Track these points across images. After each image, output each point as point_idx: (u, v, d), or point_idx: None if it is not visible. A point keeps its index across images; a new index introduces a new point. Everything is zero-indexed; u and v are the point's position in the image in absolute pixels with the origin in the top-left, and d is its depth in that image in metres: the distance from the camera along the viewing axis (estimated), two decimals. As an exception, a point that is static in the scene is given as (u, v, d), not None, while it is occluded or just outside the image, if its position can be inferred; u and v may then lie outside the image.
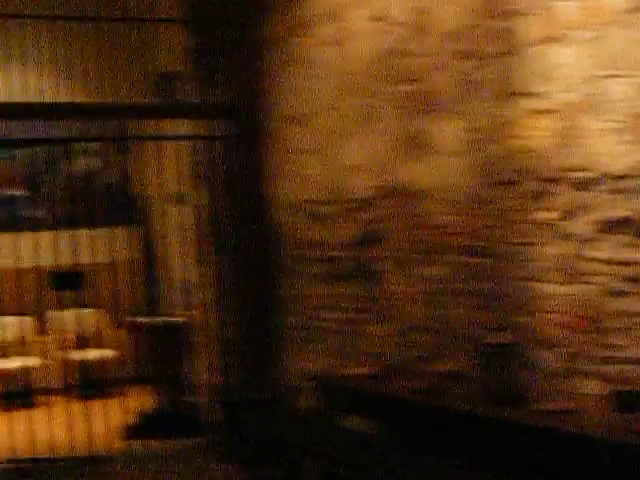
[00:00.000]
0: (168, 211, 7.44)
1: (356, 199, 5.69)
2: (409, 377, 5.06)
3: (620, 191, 3.56)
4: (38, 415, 7.05)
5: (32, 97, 7.12)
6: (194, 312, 7.48)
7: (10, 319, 7.07)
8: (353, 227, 5.76)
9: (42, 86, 8.10)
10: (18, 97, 6.89)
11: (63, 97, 7.47)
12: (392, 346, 5.34)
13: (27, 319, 7.09)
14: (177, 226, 7.63)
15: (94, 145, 7.84)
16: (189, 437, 7.24)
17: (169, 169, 7.47)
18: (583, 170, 3.76)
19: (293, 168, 6.57)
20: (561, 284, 3.92)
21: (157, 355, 7.48)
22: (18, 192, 7.73)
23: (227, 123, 7.09)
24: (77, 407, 7.00)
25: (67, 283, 7.09)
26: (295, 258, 6.62)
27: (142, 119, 7.35)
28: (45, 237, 6.97)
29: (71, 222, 7.22)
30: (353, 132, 5.68)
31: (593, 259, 3.74)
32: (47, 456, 6.84)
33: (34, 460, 6.83)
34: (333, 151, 5.96)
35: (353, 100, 5.67)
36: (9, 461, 6.80)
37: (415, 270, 5.10)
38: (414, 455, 4.33)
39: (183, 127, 7.35)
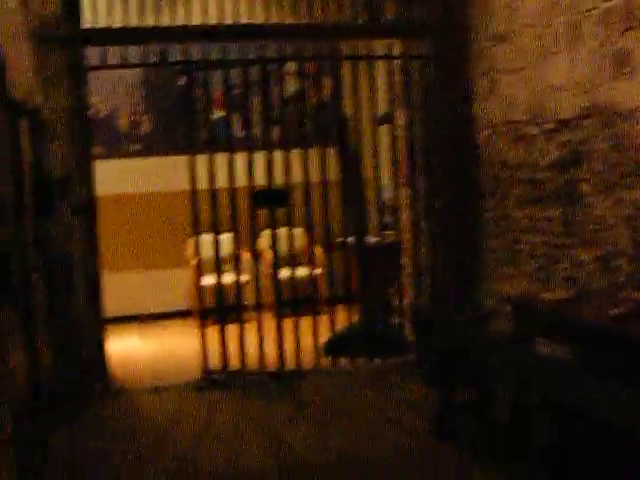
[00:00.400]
0: (375, 132, 7.46)
1: (560, 119, 5.51)
2: (608, 303, 4.90)
3: None
4: (248, 330, 7.33)
5: (243, 19, 7.30)
6: (398, 233, 7.52)
7: (224, 237, 7.35)
8: (556, 148, 5.59)
9: (254, 8, 8.29)
10: (229, 19, 7.06)
11: (273, 19, 7.60)
12: (592, 271, 5.18)
13: (239, 237, 7.36)
14: (384, 147, 7.65)
15: (305, 66, 7.94)
16: (388, 356, 7.36)
17: (377, 90, 7.47)
18: None
19: (496, 88, 6.42)
20: None
21: (363, 275, 7.60)
22: (231, 114, 7.97)
23: (430, 42, 7.00)
24: (285, 324, 7.23)
25: (277, 202, 7.28)
26: (497, 180, 6.50)
27: (351, 39, 7.36)
28: (256, 157, 7.16)
29: (282, 142, 7.38)
30: (558, 51, 5.48)
31: None
32: (239, 369, 7.18)
33: (236, 372, 7.18)
34: (537, 71, 5.77)
35: (558, 18, 5.45)
36: (206, 372, 7.18)
37: (619, 193, 4.90)
38: (609, 384, 4.20)
39: (390, 47, 7.31)
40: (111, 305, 8.46)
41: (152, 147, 10.09)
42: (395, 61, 7.42)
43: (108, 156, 9.87)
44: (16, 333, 3.82)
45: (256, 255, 7.49)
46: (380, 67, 7.56)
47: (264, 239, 9.01)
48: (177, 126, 9.89)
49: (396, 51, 7.38)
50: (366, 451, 5.29)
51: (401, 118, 7.42)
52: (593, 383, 4.25)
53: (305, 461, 5.18)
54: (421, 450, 5.24)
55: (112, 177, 9.72)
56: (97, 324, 7.14)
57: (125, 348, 8.63)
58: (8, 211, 3.73)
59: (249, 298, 9.38)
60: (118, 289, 9.57)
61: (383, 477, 4.88)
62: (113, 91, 10.02)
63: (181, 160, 7.43)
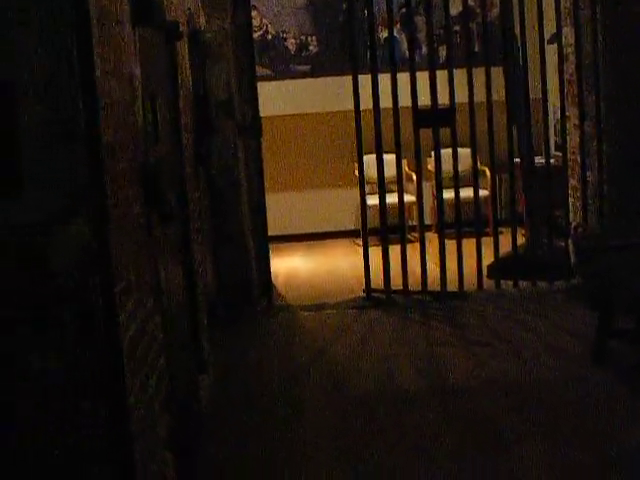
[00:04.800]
0: (543, 51, 7.23)
1: None
2: None
3: None
4: (411, 251, 7.34)
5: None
6: (565, 155, 7.31)
7: (388, 157, 7.34)
8: None
9: None
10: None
11: None
12: None
13: (404, 157, 7.33)
14: (553, 66, 7.41)
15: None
16: (553, 280, 7.22)
17: (546, 7, 7.21)
18: None
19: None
20: None
21: (531, 197, 7.45)
22: (395, 33, 7.89)
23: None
24: (449, 245, 7.20)
25: (441, 122, 7.19)
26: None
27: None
28: (421, 77, 7.08)
29: (447, 62, 7.26)
30: None
31: None
32: (401, 289, 7.20)
33: (397, 291, 7.21)
34: None
35: None
36: (368, 291, 7.25)
37: None
38: None
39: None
40: (276, 224, 8.68)
41: (319, 68, 10.13)
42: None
43: (275, 77, 9.98)
44: (173, 248, 3.98)
45: (421, 175, 7.43)
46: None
47: (430, 160, 8.95)
48: (343, 47, 9.88)
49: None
50: (520, 376, 5.25)
51: (570, 36, 7.15)
52: None
53: (459, 385, 5.19)
54: (578, 376, 5.16)
55: (279, 98, 9.83)
56: (262, 242, 7.31)
57: (289, 266, 8.82)
58: (163, 131, 3.85)
59: (413, 218, 9.40)
60: (284, 208, 9.76)
61: (536, 403, 4.84)
62: (281, 13, 10.08)
63: (347, 80, 7.43)
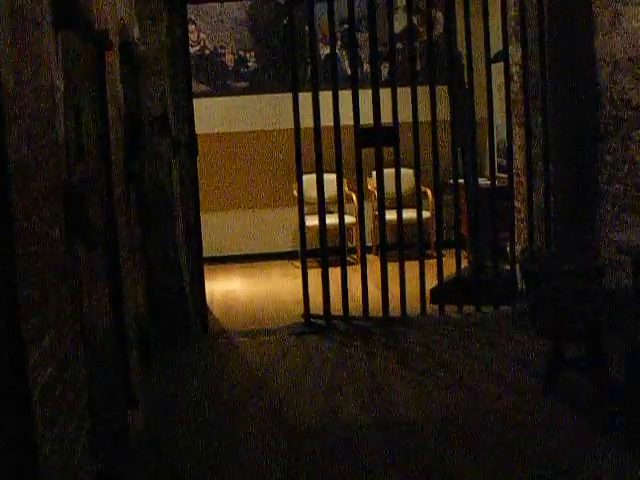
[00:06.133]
0: (488, 69, 7.07)
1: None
2: None
3: None
4: (351, 274, 7.10)
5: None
6: (511, 176, 7.14)
7: (328, 177, 7.10)
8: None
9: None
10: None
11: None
12: None
13: (344, 177, 7.08)
14: (496, 86, 7.25)
15: (414, 0, 7.54)
16: (498, 305, 7.04)
17: (491, 26, 7.05)
18: None
19: (619, 21, 5.94)
20: None
21: (473, 219, 7.26)
22: (337, 49, 7.66)
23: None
24: (391, 267, 6.96)
25: (384, 141, 6.98)
26: (618, 120, 6.06)
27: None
28: (363, 95, 6.86)
29: (389, 80, 7.07)
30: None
31: None
32: (341, 314, 6.95)
33: (338, 317, 6.96)
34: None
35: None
36: (307, 316, 6.98)
37: None
38: None
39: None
40: (212, 245, 8.39)
41: (258, 85, 9.87)
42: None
43: (213, 94, 9.69)
44: (99, 275, 3.66)
45: (362, 196, 7.21)
46: (495, 0, 7.13)
47: (371, 180, 8.75)
48: (283, 63, 9.63)
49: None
50: (468, 408, 5.02)
51: (516, 55, 6.99)
52: None
53: (404, 418, 4.94)
54: (527, 408, 4.95)
55: (216, 115, 9.56)
56: (197, 264, 7.01)
57: (225, 289, 8.52)
58: (89, 148, 3.53)
59: (354, 240, 9.19)
60: (219, 229, 9.49)
61: (485, 436, 4.61)
62: (219, 27, 9.80)
63: (287, 98, 7.19)
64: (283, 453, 4.52)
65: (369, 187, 9.09)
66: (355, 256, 9.03)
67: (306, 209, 7.24)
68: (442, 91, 7.17)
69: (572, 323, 4.95)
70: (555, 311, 4.88)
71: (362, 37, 8.60)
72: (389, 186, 7.12)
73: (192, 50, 8.65)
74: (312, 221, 7.70)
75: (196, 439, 4.74)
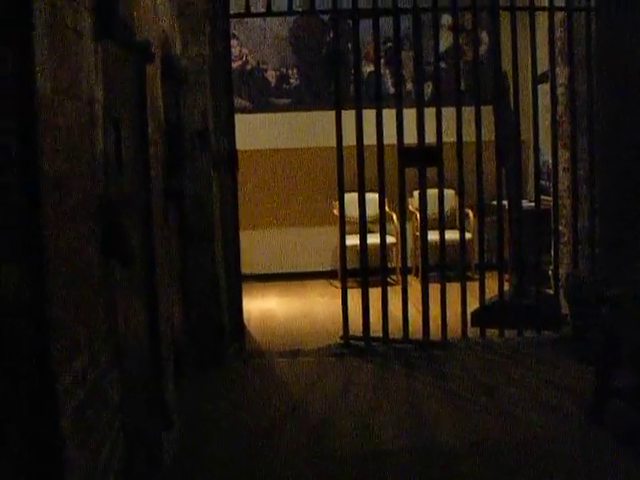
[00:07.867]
0: (534, 90, 6.94)
1: None
2: None
3: None
4: (392, 295, 6.97)
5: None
6: (555, 198, 6.98)
7: (369, 196, 6.99)
8: None
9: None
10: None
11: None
12: None
13: (386, 197, 6.96)
14: (544, 106, 7.11)
15: (460, 18, 7.41)
16: (541, 330, 6.88)
17: (539, 44, 6.92)
18: None
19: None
20: None
21: (516, 241, 7.12)
22: (381, 68, 7.55)
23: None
24: (432, 289, 6.83)
25: (427, 161, 6.86)
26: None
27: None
28: (407, 114, 6.76)
29: (434, 99, 6.96)
30: None
31: None
32: (380, 336, 6.82)
33: (377, 339, 6.82)
34: None
35: None
36: (346, 337, 6.86)
37: None
38: None
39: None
40: (251, 263, 8.30)
41: (299, 102, 9.81)
42: (558, 13, 6.85)
43: (254, 110, 9.64)
44: (135, 294, 3.57)
45: (404, 216, 7.08)
46: (542, 20, 7.00)
47: (412, 200, 8.63)
48: (325, 81, 9.56)
49: (559, 2, 6.81)
50: (510, 435, 4.86)
51: (562, 76, 6.86)
52: None
53: (443, 444, 4.79)
54: (571, 437, 4.78)
55: (257, 131, 9.50)
56: (235, 282, 6.92)
57: (263, 308, 8.42)
58: (127, 162, 3.45)
59: (395, 261, 9.07)
60: (259, 246, 9.43)
61: (523, 465, 4.45)
62: (261, 43, 9.76)
63: (328, 115, 7.10)
64: (319, 477, 4.40)
65: (410, 207, 8.97)
66: (395, 277, 8.91)
67: (346, 228, 7.13)
68: (486, 111, 7.04)
69: (621, 350, 4.80)
70: (604, 337, 4.73)
71: (405, 55, 8.50)
72: (431, 207, 7.00)
73: (234, 65, 8.60)
74: (352, 240, 7.58)
75: (231, 463, 4.63)
